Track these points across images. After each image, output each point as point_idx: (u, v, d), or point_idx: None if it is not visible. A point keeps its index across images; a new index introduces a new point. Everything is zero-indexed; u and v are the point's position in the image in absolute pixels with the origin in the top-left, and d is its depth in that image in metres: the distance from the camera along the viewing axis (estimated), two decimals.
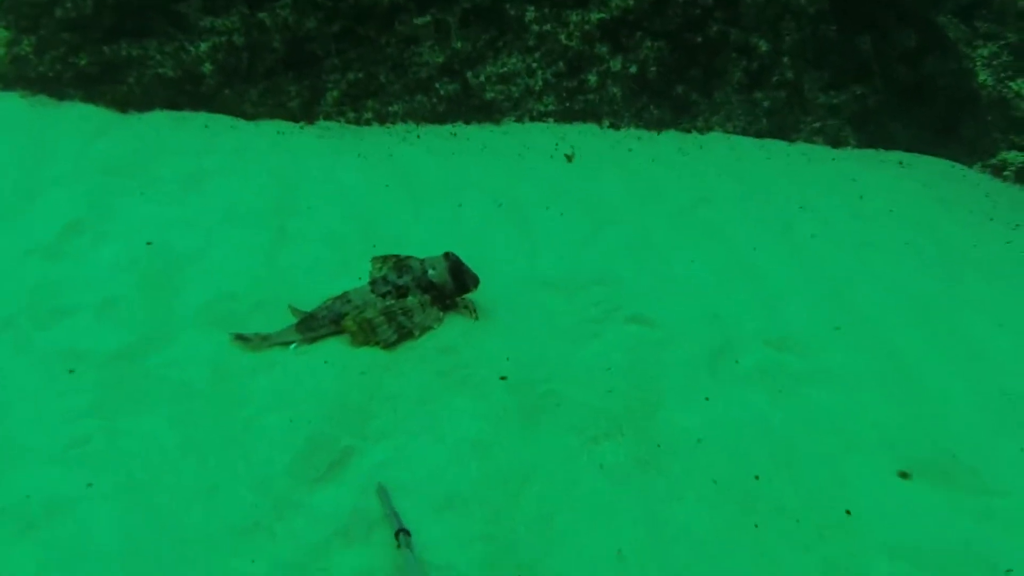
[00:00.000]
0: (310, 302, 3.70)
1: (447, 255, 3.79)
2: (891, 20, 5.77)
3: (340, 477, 2.95)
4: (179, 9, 5.32)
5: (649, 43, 5.63)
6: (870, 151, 5.71)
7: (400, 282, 3.74)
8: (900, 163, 5.61)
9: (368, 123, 5.50)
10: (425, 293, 3.74)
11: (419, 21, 5.50)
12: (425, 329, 3.68)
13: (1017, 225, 4.90)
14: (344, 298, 3.68)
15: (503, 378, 3.39)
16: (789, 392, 3.42)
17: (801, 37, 5.71)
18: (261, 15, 5.36)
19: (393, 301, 3.68)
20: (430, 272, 3.75)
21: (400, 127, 5.49)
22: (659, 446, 3.09)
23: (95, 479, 2.88)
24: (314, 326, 3.60)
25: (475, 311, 3.79)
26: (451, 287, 3.76)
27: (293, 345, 3.56)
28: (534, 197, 4.82)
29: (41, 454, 2.96)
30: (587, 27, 5.60)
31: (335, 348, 3.57)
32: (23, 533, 2.70)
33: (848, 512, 2.86)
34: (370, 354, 3.53)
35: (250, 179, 4.75)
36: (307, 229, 4.36)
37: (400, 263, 3.84)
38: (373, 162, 5.11)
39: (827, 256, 4.43)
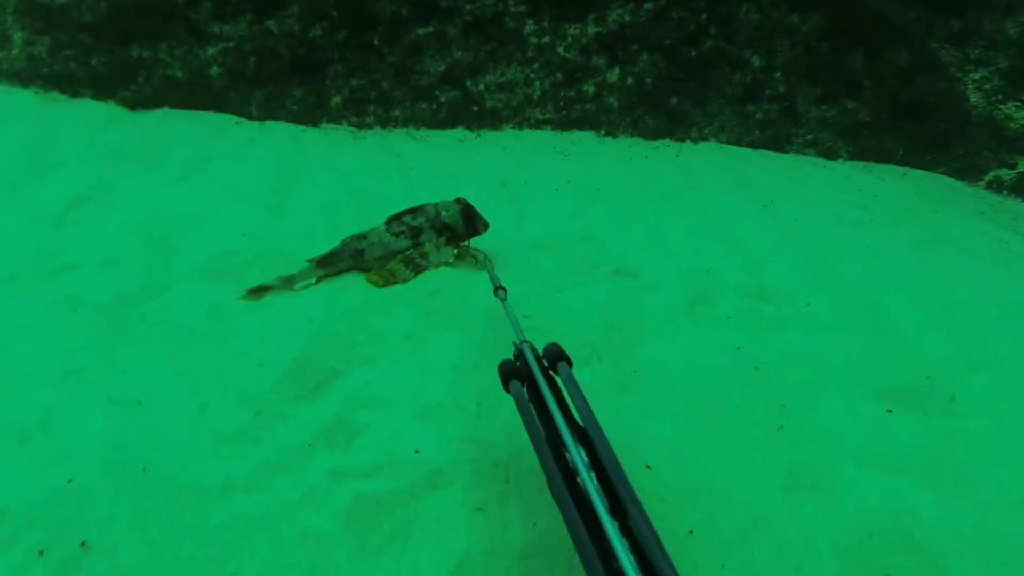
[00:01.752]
0: (303, 260, 3.83)
1: (458, 200, 3.98)
2: (883, 39, 5.91)
3: (325, 394, 3.07)
4: (190, 15, 5.52)
5: (645, 56, 5.78)
6: (861, 163, 5.80)
7: (414, 223, 3.90)
8: (890, 172, 5.70)
9: (370, 127, 5.64)
10: (439, 235, 3.90)
11: (422, 31, 5.67)
12: (440, 264, 3.85)
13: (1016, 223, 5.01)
14: (361, 236, 3.83)
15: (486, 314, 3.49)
16: (766, 333, 3.51)
17: (794, 54, 5.85)
18: (269, 23, 5.55)
19: (408, 243, 3.85)
20: (443, 214, 3.93)
21: (401, 131, 5.63)
22: (636, 372, 3.18)
23: (88, 398, 2.99)
24: (334, 262, 3.75)
25: (488, 259, 3.92)
26: (462, 228, 3.94)
27: (312, 280, 3.72)
28: (527, 180, 4.98)
29: (38, 380, 3.08)
30: (584, 40, 5.76)
31: (334, 289, 3.72)
32: (18, 444, 2.81)
33: (818, 427, 2.94)
34: (364, 293, 3.67)
35: (253, 164, 4.91)
36: (305, 203, 4.51)
37: (414, 208, 3.97)
38: (373, 153, 5.28)
39: (809, 232, 4.54)
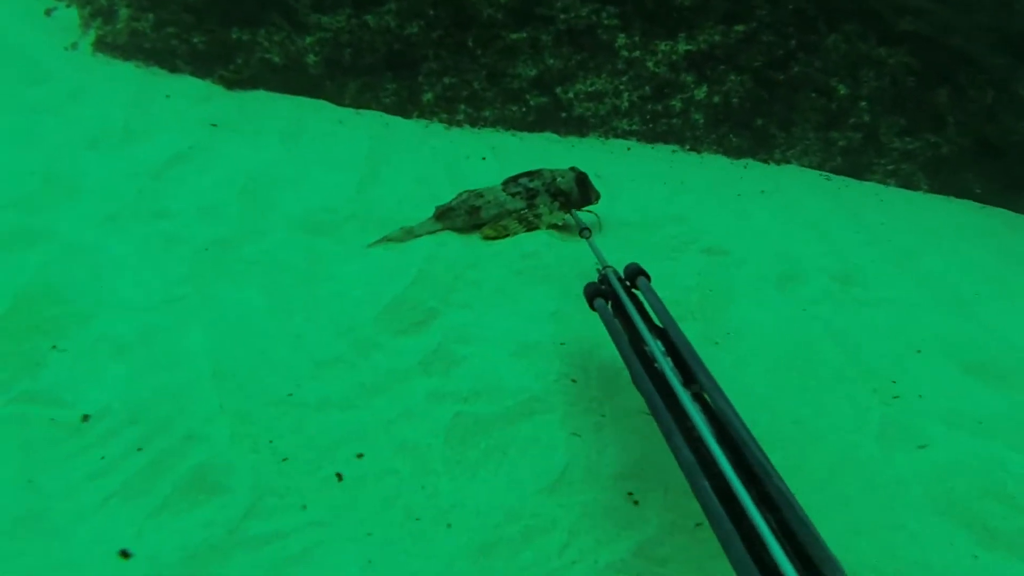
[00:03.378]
0: (402, 221, 4.00)
1: (573, 168, 4.18)
2: (969, 78, 5.96)
3: (423, 331, 3.21)
4: (290, 3, 5.62)
5: (733, 76, 5.85)
6: (941, 196, 5.83)
7: (531, 185, 4.08)
8: (970, 205, 5.74)
9: (460, 124, 5.70)
10: (554, 199, 4.06)
11: (515, 36, 5.75)
12: (551, 224, 4.05)
13: None
14: (478, 194, 4.00)
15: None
16: (853, 310, 3.67)
17: (880, 85, 5.91)
18: (367, 17, 5.65)
19: (524, 204, 4.01)
20: (559, 180, 4.10)
21: (489, 131, 5.70)
22: (728, 333, 3.27)
23: (187, 321, 3.06)
24: (451, 216, 3.91)
25: (596, 223, 4.20)
26: (577, 195, 4.11)
27: (434, 231, 3.92)
28: (617, 171, 5.16)
29: (138, 306, 3.16)
30: (674, 57, 5.83)
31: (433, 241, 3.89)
32: (116, 355, 2.88)
33: (908, 390, 3.03)
34: (465, 248, 3.84)
35: (347, 140, 5.04)
36: (399, 174, 4.63)
37: (531, 172, 4.14)
38: (463, 137, 5.45)
39: (891, 233, 4.69)
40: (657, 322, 2.57)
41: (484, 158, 5.05)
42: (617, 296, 2.72)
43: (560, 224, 4.07)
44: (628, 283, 2.84)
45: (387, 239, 3.81)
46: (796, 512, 1.71)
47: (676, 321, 2.50)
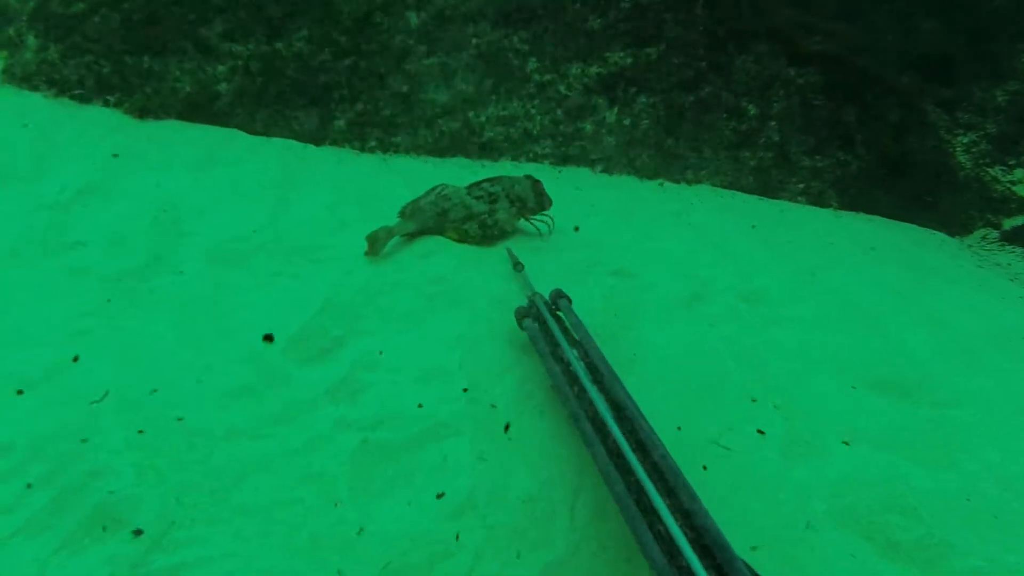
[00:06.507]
0: (311, 248, 4.06)
1: (528, 176, 4.57)
2: (875, 97, 6.07)
3: (330, 358, 3.24)
4: (201, 32, 5.64)
5: (644, 98, 5.92)
6: (851, 212, 5.91)
7: (492, 190, 4.43)
8: (878, 221, 5.81)
9: (371, 151, 5.72)
10: (512, 204, 4.44)
11: (427, 62, 5.80)
12: (503, 229, 4.42)
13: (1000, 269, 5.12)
14: (444, 195, 4.37)
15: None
16: (759, 328, 3.68)
17: (789, 105, 6.00)
18: (278, 44, 5.68)
19: (486, 207, 4.37)
20: (516, 187, 4.48)
21: (401, 156, 5.72)
22: (635, 355, 3.28)
23: (94, 354, 3.04)
24: (421, 215, 4.27)
25: (549, 225, 4.55)
26: (533, 201, 4.50)
27: (409, 229, 4.22)
28: None
29: (43, 340, 3.14)
30: (586, 80, 5.89)
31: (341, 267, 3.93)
32: (20, 390, 2.90)
33: (810, 407, 3.08)
34: (375, 273, 3.88)
35: (257, 167, 5.01)
36: (309, 201, 4.63)
37: (492, 178, 4.57)
38: (373, 163, 5.45)
39: (798, 251, 4.70)
40: (575, 335, 3.03)
41: (395, 185, 5.07)
42: (543, 319, 3.15)
43: (514, 230, 4.48)
44: (553, 305, 3.30)
45: (373, 236, 4.04)
46: (680, 478, 2.20)
47: (590, 332, 3.03)
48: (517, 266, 3.85)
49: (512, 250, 4.08)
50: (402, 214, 4.29)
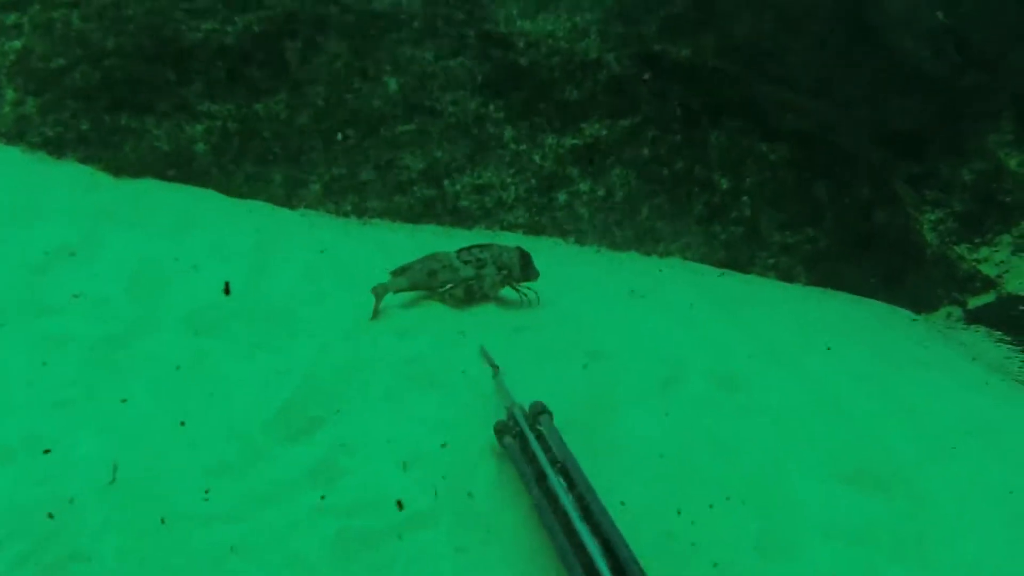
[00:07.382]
0: (289, 318, 4.10)
1: (517, 247, 4.68)
2: (847, 173, 6.16)
3: (309, 439, 3.25)
4: (181, 91, 5.67)
5: (618, 170, 5.99)
6: (819, 288, 5.97)
7: (481, 256, 4.55)
8: (846, 298, 5.88)
9: (347, 215, 5.75)
10: (499, 272, 4.55)
11: (403, 128, 5.86)
12: (485, 296, 4.55)
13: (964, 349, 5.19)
14: (435, 257, 4.50)
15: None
16: (734, 417, 3.72)
17: (761, 179, 6.09)
18: (257, 105, 5.72)
19: (474, 272, 4.49)
20: (504, 255, 4.59)
21: (376, 221, 5.75)
22: (610, 444, 3.39)
23: (75, 426, 3.04)
24: (412, 277, 4.40)
25: (534, 299, 4.65)
26: (519, 271, 4.59)
27: (403, 285, 4.37)
28: None
29: (24, 409, 3.12)
30: (560, 150, 5.96)
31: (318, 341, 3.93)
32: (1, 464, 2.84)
33: (787, 500, 3.08)
34: (353, 350, 3.90)
35: (235, 231, 5.02)
36: (286, 266, 4.66)
37: (482, 244, 4.69)
38: (350, 230, 5.50)
39: (770, 330, 4.76)
40: (557, 455, 2.92)
41: (371, 253, 5.09)
42: (524, 433, 3.06)
43: (499, 298, 4.58)
44: (533, 420, 3.18)
45: (375, 291, 4.21)
46: None
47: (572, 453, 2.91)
48: (494, 368, 3.77)
49: (487, 350, 3.99)
50: (393, 274, 4.40)
